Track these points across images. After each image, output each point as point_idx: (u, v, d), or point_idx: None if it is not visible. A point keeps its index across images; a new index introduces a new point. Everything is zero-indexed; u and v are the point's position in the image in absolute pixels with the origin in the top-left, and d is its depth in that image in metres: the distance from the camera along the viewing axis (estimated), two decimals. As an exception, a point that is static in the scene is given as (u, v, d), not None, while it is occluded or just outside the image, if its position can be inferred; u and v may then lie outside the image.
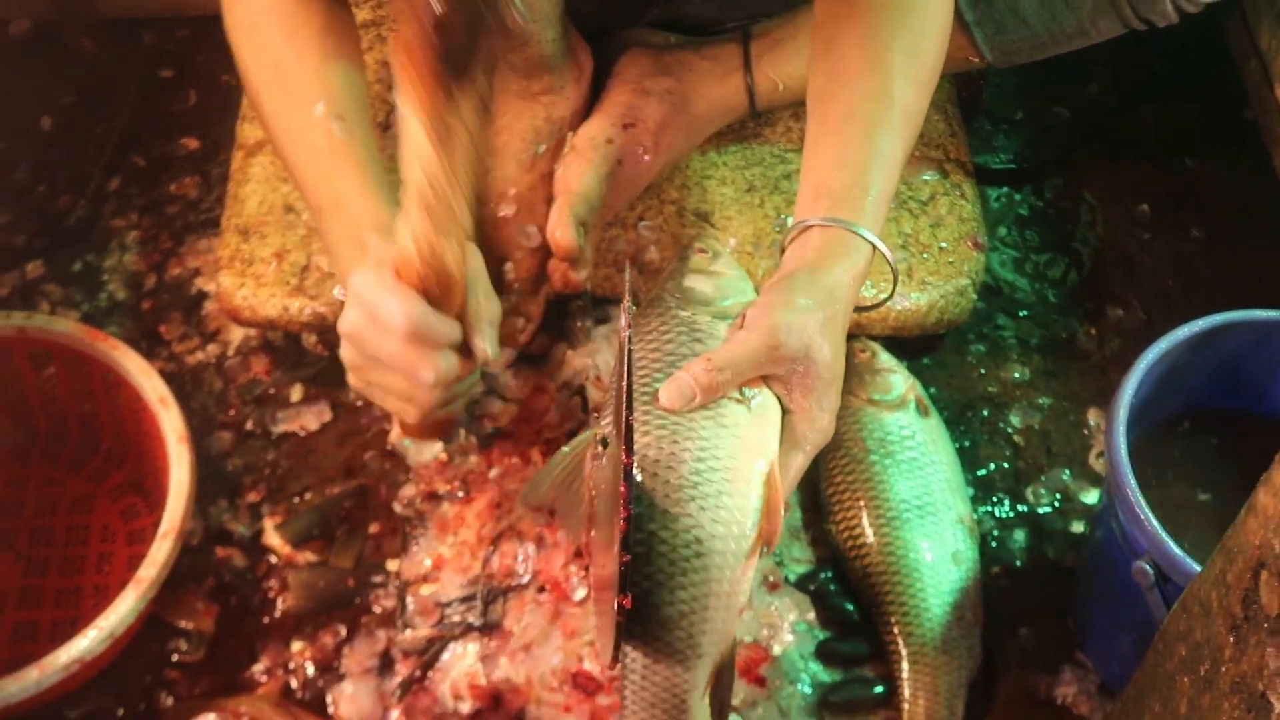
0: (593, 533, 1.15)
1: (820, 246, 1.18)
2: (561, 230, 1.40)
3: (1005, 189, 1.78)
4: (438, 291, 1.19)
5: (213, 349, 1.62)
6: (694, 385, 1.10)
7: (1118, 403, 1.28)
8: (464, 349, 1.23)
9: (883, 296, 1.23)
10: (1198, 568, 1.18)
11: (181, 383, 1.59)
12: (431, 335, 1.19)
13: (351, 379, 1.26)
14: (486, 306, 1.24)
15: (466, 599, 1.39)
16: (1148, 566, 1.22)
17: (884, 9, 1.26)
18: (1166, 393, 1.36)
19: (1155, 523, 1.21)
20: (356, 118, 1.33)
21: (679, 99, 1.53)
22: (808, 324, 1.13)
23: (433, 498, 1.47)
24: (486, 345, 1.22)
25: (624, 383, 1.02)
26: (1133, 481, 1.23)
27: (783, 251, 1.23)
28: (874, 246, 1.19)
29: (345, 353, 1.24)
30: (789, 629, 1.40)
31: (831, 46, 1.28)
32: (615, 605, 1.01)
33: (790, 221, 1.26)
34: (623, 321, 1.05)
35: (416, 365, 1.19)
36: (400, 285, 1.17)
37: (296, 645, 1.43)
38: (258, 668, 1.42)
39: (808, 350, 1.13)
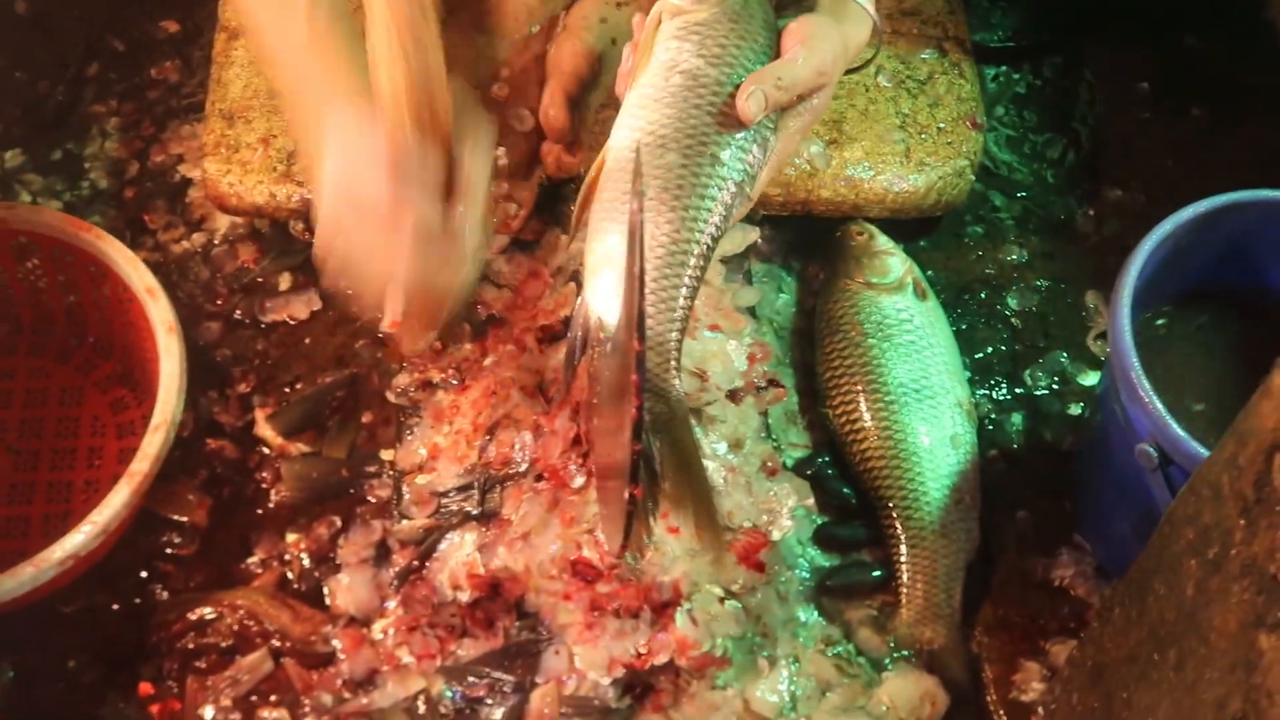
0: (594, 420, 1.13)
1: (831, 5, 1.19)
2: (555, 111, 1.38)
3: (1003, 67, 1.75)
4: (424, 120, 1.18)
5: (198, 237, 1.60)
6: (764, 100, 1.10)
7: (1121, 285, 1.26)
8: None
9: (868, 56, 1.23)
10: (1203, 450, 1.18)
11: (168, 272, 1.57)
12: (414, 167, 1.17)
13: (331, 259, 1.21)
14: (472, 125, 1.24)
15: (463, 488, 1.38)
16: (1151, 450, 1.21)
17: None
18: (1169, 272, 1.35)
19: (1159, 405, 1.20)
20: (337, 8, 1.28)
21: (678, -32, 1.50)
22: (839, 62, 1.16)
23: (427, 386, 1.45)
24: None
25: (636, 269, 1.00)
26: (1136, 364, 1.22)
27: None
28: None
29: (325, 211, 1.20)
30: (787, 514, 1.39)
31: None
32: (626, 494, 1.00)
33: None
34: (633, 205, 1.03)
35: (399, 207, 1.16)
36: (381, 120, 1.16)
37: (291, 537, 1.42)
38: (252, 560, 1.41)
39: (831, 85, 1.17)
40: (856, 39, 1.19)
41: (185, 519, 1.43)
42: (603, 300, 1.10)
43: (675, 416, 1.11)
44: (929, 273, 1.57)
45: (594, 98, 1.43)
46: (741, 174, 1.12)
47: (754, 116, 1.09)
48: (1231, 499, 0.96)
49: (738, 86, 1.10)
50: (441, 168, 1.19)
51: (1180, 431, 1.19)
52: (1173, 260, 1.33)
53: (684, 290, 1.11)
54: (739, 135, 1.11)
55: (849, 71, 1.22)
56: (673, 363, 1.11)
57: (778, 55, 1.14)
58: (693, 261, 1.11)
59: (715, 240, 1.12)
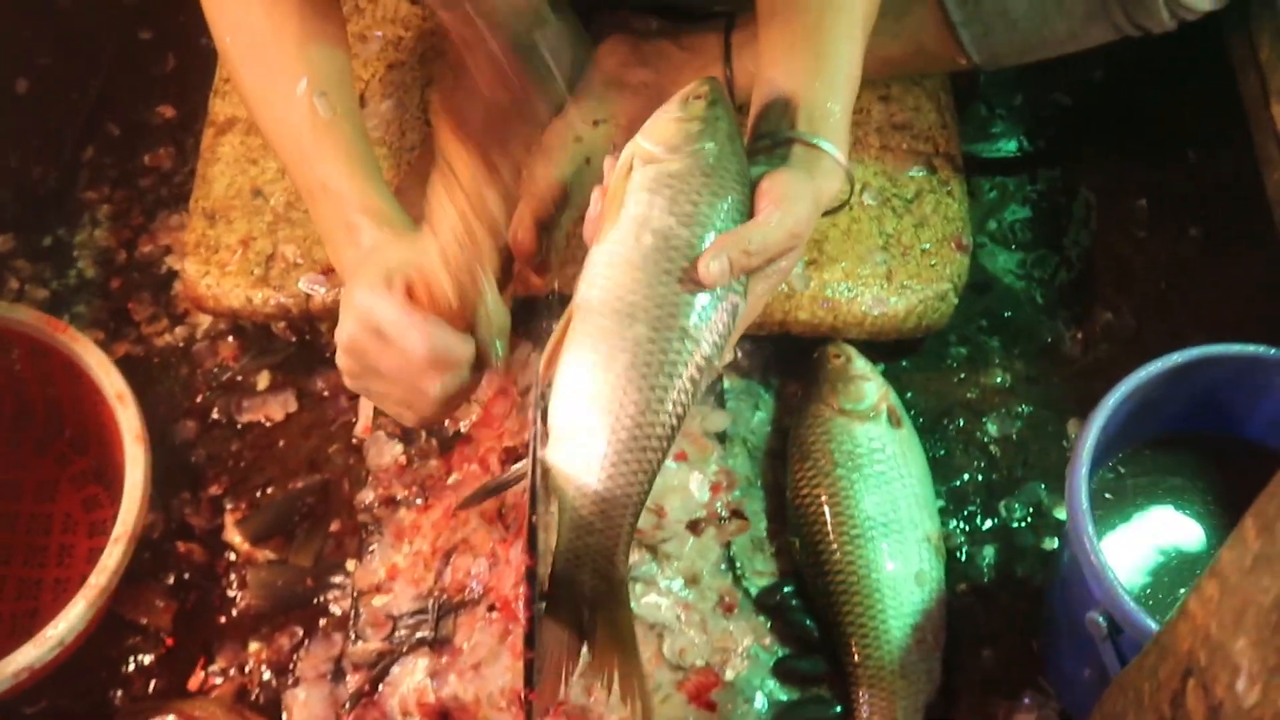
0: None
1: (802, 158, 1.18)
2: (523, 235, 1.37)
3: (998, 179, 1.73)
4: (454, 311, 1.20)
5: (181, 331, 1.61)
6: (729, 266, 1.09)
7: (1080, 447, 1.24)
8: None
9: (842, 202, 1.22)
10: (1152, 625, 1.16)
11: (149, 366, 1.58)
12: (449, 359, 1.19)
13: (348, 381, 1.25)
14: (498, 316, 1.25)
15: (418, 613, 1.38)
16: (1100, 619, 1.19)
17: None
18: (1140, 421, 1.33)
19: (1112, 575, 1.18)
20: (340, 95, 1.31)
21: (654, 92, 1.48)
22: (812, 218, 1.14)
23: (390, 503, 1.45)
24: (496, 358, 1.24)
25: (531, 483, 1.00)
26: (1090, 530, 1.20)
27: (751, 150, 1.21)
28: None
29: (344, 363, 1.22)
30: (742, 654, 1.38)
31: None
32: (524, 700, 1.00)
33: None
34: (531, 426, 1.04)
35: (428, 384, 1.19)
36: (416, 310, 1.17)
37: (253, 646, 1.43)
38: (214, 667, 1.42)
39: (802, 245, 1.15)
40: (828, 191, 1.18)
41: (150, 622, 1.44)
42: (558, 474, 1.10)
43: (615, 598, 1.11)
44: (909, 394, 1.56)
45: (565, 218, 1.42)
46: (711, 346, 1.10)
47: (716, 283, 1.08)
48: (1151, 710, 0.95)
49: None
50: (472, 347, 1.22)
51: (1131, 605, 1.16)
52: (1143, 410, 1.31)
53: (644, 475, 1.10)
54: (710, 305, 1.09)
55: (826, 213, 1.21)
56: (622, 545, 1.10)
57: (751, 212, 1.13)
58: (655, 444, 1.10)
59: (680, 420, 1.11)
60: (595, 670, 1.11)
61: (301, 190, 1.32)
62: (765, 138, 1.18)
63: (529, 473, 1.09)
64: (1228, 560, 0.82)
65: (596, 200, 1.16)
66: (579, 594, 1.09)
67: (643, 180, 1.11)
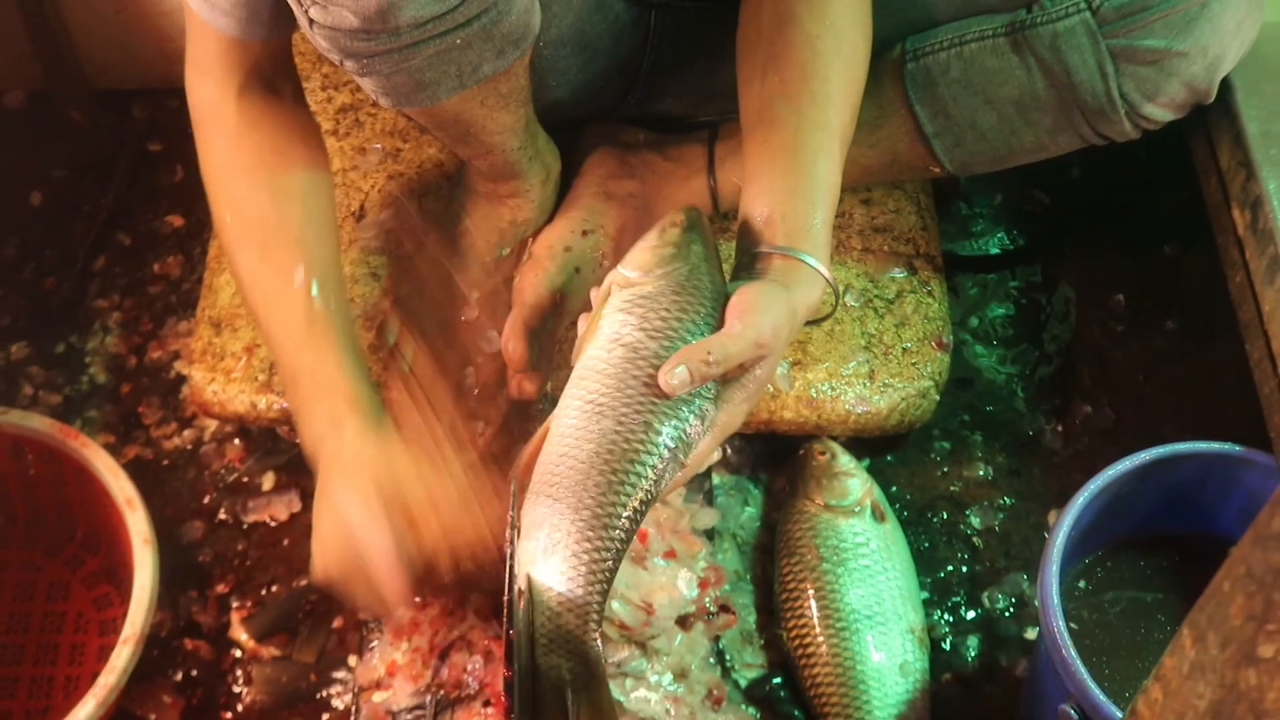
0: None
1: (782, 271, 1.23)
2: (514, 343, 1.42)
3: (979, 276, 1.78)
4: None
5: (189, 434, 1.66)
6: (689, 375, 1.13)
7: (1052, 543, 1.29)
8: None
9: (824, 314, 1.27)
10: (1120, 717, 1.20)
11: (158, 468, 1.64)
12: (418, 583, 1.28)
13: (317, 574, 1.31)
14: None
15: (417, 708, 1.42)
16: (1072, 711, 1.23)
17: (820, 40, 1.29)
18: (1115, 516, 1.37)
19: (1082, 670, 1.22)
20: (333, 285, 1.37)
21: (641, 202, 1.54)
22: (783, 331, 1.18)
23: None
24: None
25: (508, 597, 1.05)
26: (1060, 625, 1.24)
27: (738, 264, 1.27)
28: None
29: (319, 562, 1.30)
30: (732, 747, 1.42)
31: (770, 69, 1.31)
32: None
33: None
34: (509, 533, 1.10)
35: (396, 600, 1.28)
36: (399, 541, 1.26)
37: (258, 743, 1.47)
38: (220, 763, 1.46)
39: (775, 354, 1.19)
40: (807, 301, 1.23)
41: (158, 719, 1.48)
42: (528, 561, 1.14)
43: (593, 677, 1.15)
44: (893, 488, 1.60)
45: (555, 325, 1.48)
46: (676, 442, 1.16)
47: (675, 390, 1.13)
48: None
49: None
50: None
51: (1100, 698, 1.20)
52: (1115, 506, 1.36)
53: (608, 555, 1.14)
54: (676, 407, 1.15)
55: (809, 323, 1.25)
56: (592, 623, 1.15)
57: (721, 325, 1.18)
58: (620, 524, 1.15)
59: (645, 505, 1.16)
60: None
61: (283, 368, 1.38)
62: (747, 252, 1.24)
63: (506, 587, 1.14)
64: (1169, 665, 0.86)
65: (583, 327, 1.22)
66: (559, 679, 1.14)
67: (618, 302, 1.19)
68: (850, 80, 1.32)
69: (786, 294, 1.20)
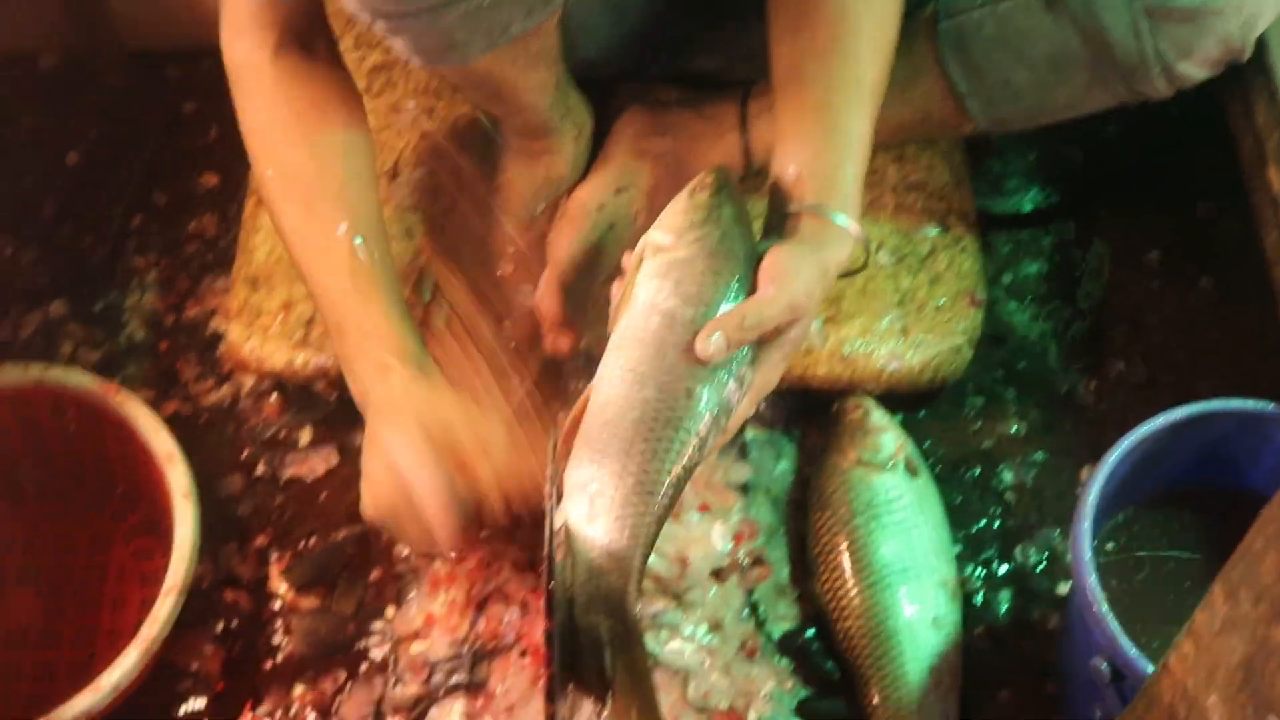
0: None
1: (812, 229, 1.24)
2: (549, 300, 1.43)
3: (1012, 233, 1.78)
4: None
5: (226, 390, 1.67)
6: (725, 342, 1.16)
7: (1085, 499, 1.30)
8: None
9: (856, 268, 1.29)
10: (1151, 672, 1.21)
11: (196, 424, 1.65)
12: (471, 523, 1.29)
13: (367, 513, 1.33)
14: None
15: (454, 658, 1.44)
16: (1103, 666, 1.24)
17: None
18: (1147, 473, 1.38)
19: (1114, 625, 1.23)
20: (376, 238, 1.38)
21: (674, 160, 1.55)
22: (815, 292, 1.20)
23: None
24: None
25: (548, 551, 1.06)
26: (1093, 581, 1.25)
27: (768, 223, 1.28)
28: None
29: (369, 502, 1.32)
30: (766, 697, 1.43)
31: (800, 27, 1.31)
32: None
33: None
34: (547, 500, 1.10)
35: (448, 541, 1.29)
36: (449, 482, 1.26)
37: (298, 690, 1.49)
38: (261, 710, 1.48)
39: (808, 315, 1.21)
40: (838, 259, 1.24)
41: (199, 668, 1.50)
42: (572, 523, 1.17)
43: (631, 636, 1.16)
44: (926, 443, 1.61)
45: (589, 282, 1.48)
46: (716, 407, 1.18)
47: (712, 357, 1.15)
48: (1142, 759, 0.99)
49: None
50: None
51: (1131, 652, 1.21)
52: (1147, 463, 1.36)
53: (650, 520, 1.17)
54: (715, 373, 1.17)
55: (842, 276, 1.27)
56: (633, 586, 1.17)
57: (754, 289, 1.19)
58: (664, 490, 1.17)
59: (688, 471, 1.18)
60: (617, 714, 1.17)
61: (331, 323, 1.38)
62: (778, 212, 1.25)
63: (546, 541, 1.16)
64: (1201, 621, 0.88)
65: (617, 292, 1.24)
66: (596, 638, 1.16)
67: (652, 268, 1.21)
68: (881, 37, 1.32)
69: (818, 254, 1.21)
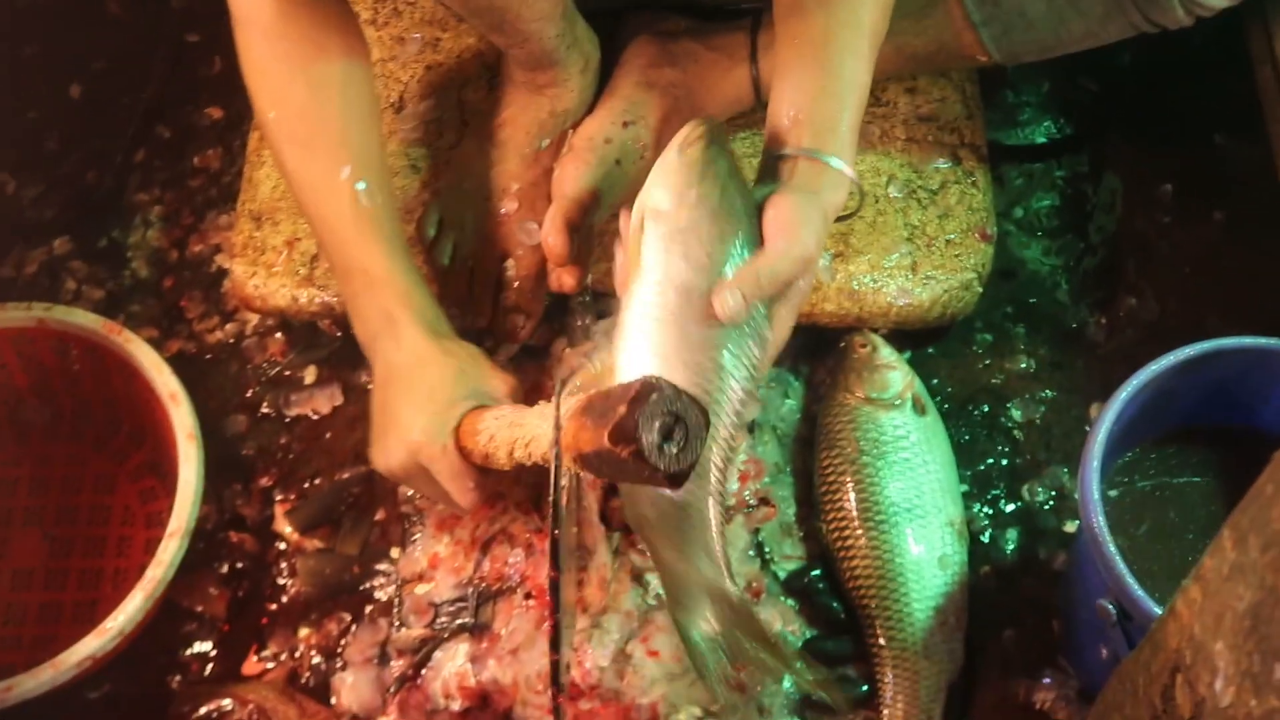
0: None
1: (809, 174, 1.22)
2: (555, 237, 1.41)
3: (1024, 166, 1.75)
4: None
5: (231, 328, 1.67)
6: (743, 300, 1.14)
7: (1093, 438, 1.28)
8: None
9: (850, 211, 1.27)
10: (1158, 614, 1.20)
11: (201, 362, 1.65)
12: (484, 484, 1.30)
13: (379, 468, 1.35)
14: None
15: (459, 600, 1.44)
16: (1110, 606, 1.23)
17: None
18: (1154, 413, 1.36)
19: (1121, 565, 1.22)
20: (378, 181, 1.37)
21: (683, 92, 1.53)
22: (822, 236, 1.19)
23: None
24: None
25: (553, 500, 1.05)
26: (1100, 521, 1.24)
27: (763, 165, 1.27)
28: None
29: (381, 461, 1.33)
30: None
31: None
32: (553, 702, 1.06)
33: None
34: (550, 437, 1.10)
35: (467, 504, 1.32)
36: (468, 473, 1.28)
37: (303, 631, 1.49)
38: (265, 653, 1.49)
39: (815, 262, 1.21)
40: (835, 203, 1.23)
41: (205, 610, 1.50)
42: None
43: (740, 616, 1.20)
44: (934, 381, 1.59)
45: (596, 218, 1.47)
46: (747, 378, 1.17)
47: (733, 317, 1.14)
48: (1144, 703, 0.99)
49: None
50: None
51: (1138, 593, 1.20)
52: (1157, 402, 1.34)
53: (704, 494, 1.18)
54: (738, 337, 1.16)
55: (837, 221, 1.25)
56: (726, 570, 1.21)
57: (760, 240, 1.18)
58: (713, 474, 1.17)
59: (733, 451, 1.19)
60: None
61: (336, 266, 1.38)
62: (774, 154, 1.23)
63: (551, 488, 1.14)
64: (1209, 566, 0.86)
65: (620, 257, 1.22)
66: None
67: (656, 238, 1.18)
68: None
69: (817, 198, 1.20)
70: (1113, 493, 1.39)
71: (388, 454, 1.31)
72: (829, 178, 1.21)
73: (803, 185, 1.21)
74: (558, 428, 1.13)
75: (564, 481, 1.14)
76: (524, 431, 1.21)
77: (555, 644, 1.05)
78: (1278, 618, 0.77)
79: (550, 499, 1.14)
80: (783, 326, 1.22)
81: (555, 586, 1.08)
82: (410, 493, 1.51)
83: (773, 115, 1.26)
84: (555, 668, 1.06)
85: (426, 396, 1.27)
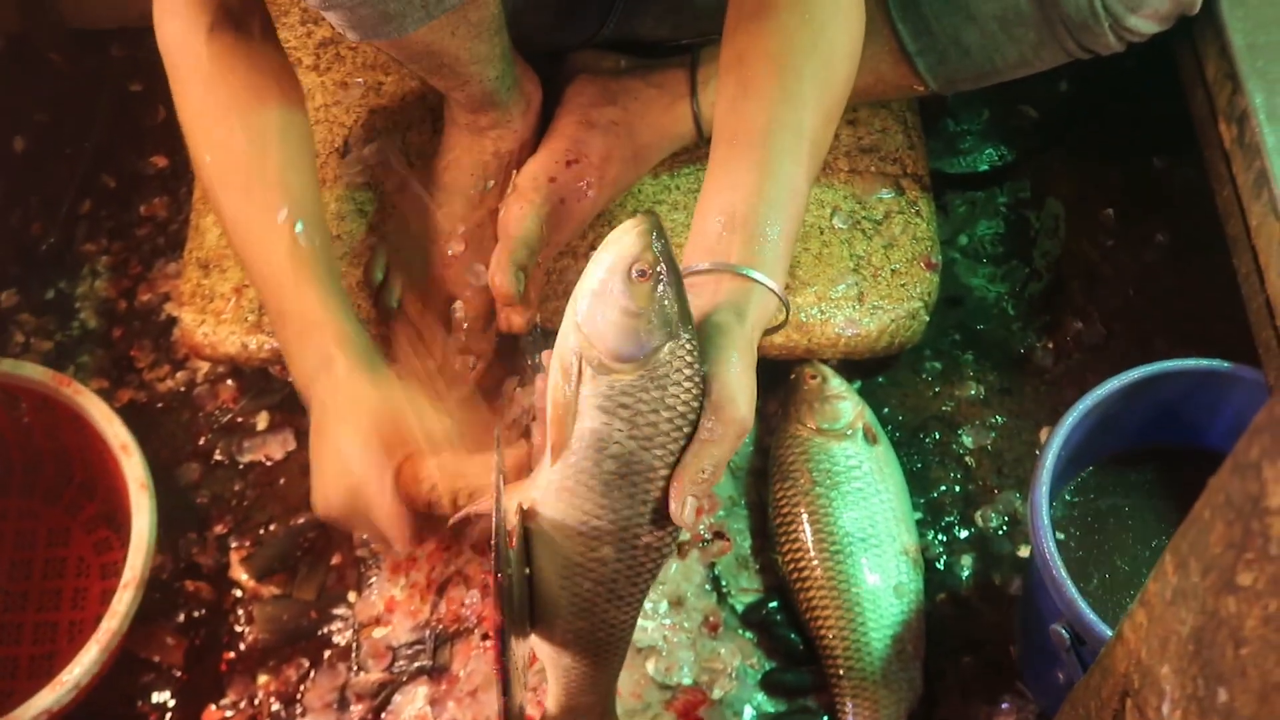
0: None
1: (736, 293, 1.15)
2: (501, 277, 1.41)
3: (967, 194, 1.77)
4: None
5: (182, 376, 1.66)
6: (698, 500, 1.07)
7: (1042, 463, 1.29)
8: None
9: (777, 324, 1.22)
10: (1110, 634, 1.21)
11: (152, 411, 1.64)
12: (423, 523, 1.29)
13: (319, 511, 1.33)
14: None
15: (416, 643, 1.44)
16: (1064, 631, 1.24)
17: (796, 32, 1.24)
18: (1106, 433, 1.38)
19: (1072, 590, 1.23)
20: (315, 224, 1.37)
21: (625, 129, 1.53)
22: (752, 390, 1.10)
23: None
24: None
25: (496, 543, 1.05)
26: (1051, 546, 1.25)
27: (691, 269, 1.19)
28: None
29: (320, 501, 1.32)
30: (731, 674, 1.44)
31: (744, 61, 1.25)
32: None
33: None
34: (494, 479, 1.09)
35: (402, 541, 1.30)
36: (406, 517, 1.28)
37: (262, 678, 1.49)
38: (225, 700, 1.48)
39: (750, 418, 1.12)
40: (762, 320, 1.16)
41: (162, 660, 1.50)
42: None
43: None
44: (885, 410, 1.60)
45: (542, 257, 1.47)
46: (671, 546, 1.12)
47: (688, 525, 1.08)
48: (1097, 729, 1.00)
49: (670, 467, 1.07)
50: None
51: (1090, 617, 1.22)
52: (1105, 424, 1.36)
53: (615, 660, 1.18)
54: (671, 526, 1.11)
55: (764, 335, 1.19)
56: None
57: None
58: (621, 636, 1.16)
59: (642, 600, 1.16)
60: None
61: (272, 311, 1.38)
62: (701, 264, 1.17)
63: (494, 532, 1.13)
64: (1153, 591, 0.87)
65: (541, 379, 1.11)
66: None
67: (597, 393, 1.05)
68: (827, 82, 1.25)
69: (741, 337, 1.12)
70: (1064, 515, 1.40)
71: (326, 496, 1.30)
72: (755, 295, 1.15)
73: (729, 303, 1.13)
74: (500, 474, 1.12)
75: (509, 526, 1.13)
76: (466, 482, 1.21)
77: (506, 688, 1.04)
78: (1219, 641, 0.78)
79: (493, 542, 1.13)
80: (716, 471, 1.11)
81: (502, 633, 1.07)
82: (365, 536, 1.50)
83: (703, 215, 1.20)
84: (507, 714, 1.05)
85: (364, 438, 1.27)
